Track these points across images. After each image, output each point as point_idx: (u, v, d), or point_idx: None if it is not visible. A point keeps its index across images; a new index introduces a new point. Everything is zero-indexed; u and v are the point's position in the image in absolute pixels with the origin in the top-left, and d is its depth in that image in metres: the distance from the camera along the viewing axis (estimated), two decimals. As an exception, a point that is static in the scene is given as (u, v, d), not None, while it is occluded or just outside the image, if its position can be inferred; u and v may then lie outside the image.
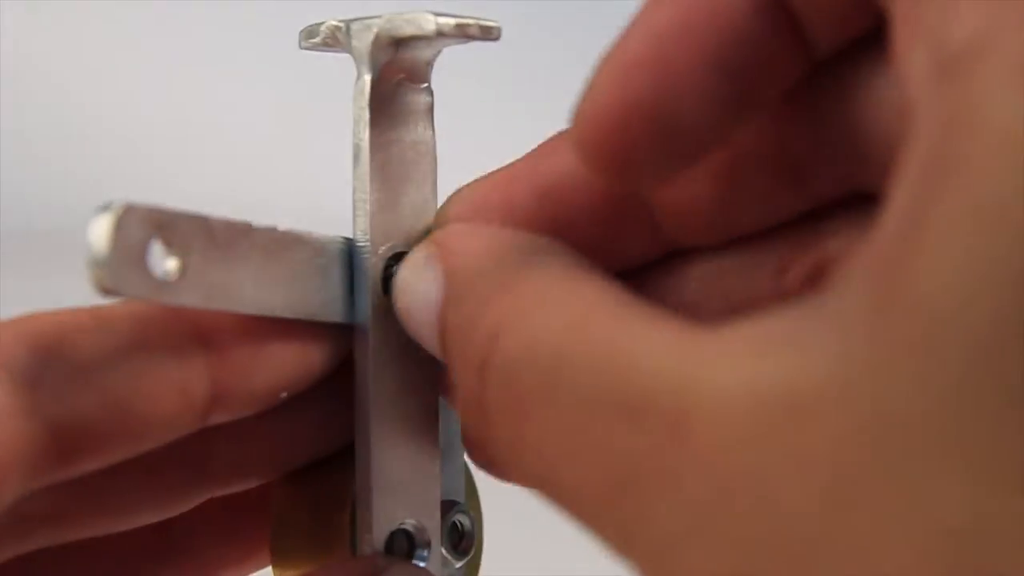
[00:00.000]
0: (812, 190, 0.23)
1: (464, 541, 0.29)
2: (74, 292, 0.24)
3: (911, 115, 0.17)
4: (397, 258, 0.27)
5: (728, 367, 0.17)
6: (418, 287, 0.24)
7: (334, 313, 0.26)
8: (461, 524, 0.29)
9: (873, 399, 0.15)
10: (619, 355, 0.19)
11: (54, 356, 0.22)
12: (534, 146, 0.26)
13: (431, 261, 0.24)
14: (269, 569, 0.29)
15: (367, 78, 0.26)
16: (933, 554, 0.15)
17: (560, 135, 0.25)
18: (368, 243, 0.26)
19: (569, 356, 0.19)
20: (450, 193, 0.27)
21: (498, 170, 0.25)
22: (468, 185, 0.26)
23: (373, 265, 0.26)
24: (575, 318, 0.20)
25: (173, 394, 0.23)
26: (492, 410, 0.21)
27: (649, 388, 0.18)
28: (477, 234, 0.24)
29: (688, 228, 0.25)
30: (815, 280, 0.24)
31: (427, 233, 0.27)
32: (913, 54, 0.18)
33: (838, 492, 0.15)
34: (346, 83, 0.27)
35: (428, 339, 0.24)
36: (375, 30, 0.26)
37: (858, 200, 0.23)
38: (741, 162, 0.23)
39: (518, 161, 0.25)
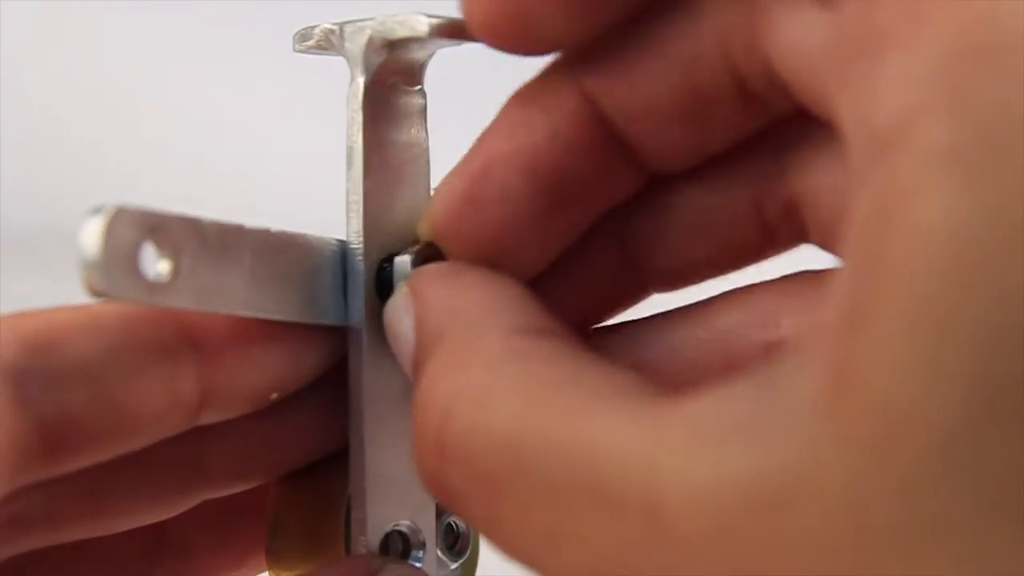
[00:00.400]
0: (765, 108, 0.24)
1: (459, 542, 0.29)
2: (74, 292, 0.24)
3: (852, 186, 0.18)
4: (390, 260, 0.27)
5: (694, 456, 0.17)
6: (399, 327, 0.25)
7: (327, 315, 0.26)
8: (456, 525, 0.29)
9: (842, 491, 0.16)
10: (582, 440, 0.19)
11: (43, 352, 0.22)
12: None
13: (407, 305, 0.25)
14: (265, 573, 0.29)
15: (360, 80, 0.26)
16: None
17: (509, 110, 0.25)
18: (362, 245, 0.26)
19: (529, 440, 0.20)
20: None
21: (471, 157, 0.25)
22: (448, 176, 0.26)
23: (367, 267, 0.26)
24: (530, 399, 0.20)
25: (161, 392, 0.23)
26: (457, 490, 0.21)
27: (618, 477, 0.18)
28: (446, 282, 0.25)
29: (664, 155, 0.25)
30: (790, 217, 0.25)
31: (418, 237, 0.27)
32: (849, 127, 0.19)
33: None
34: (340, 85, 0.27)
35: (410, 375, 0.24)
36: (368, 32, 0.26)
37: (813, 126, 0.23)
38: (695, 87, 0.24)
39: (485, 143, 0.25)
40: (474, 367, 0.21)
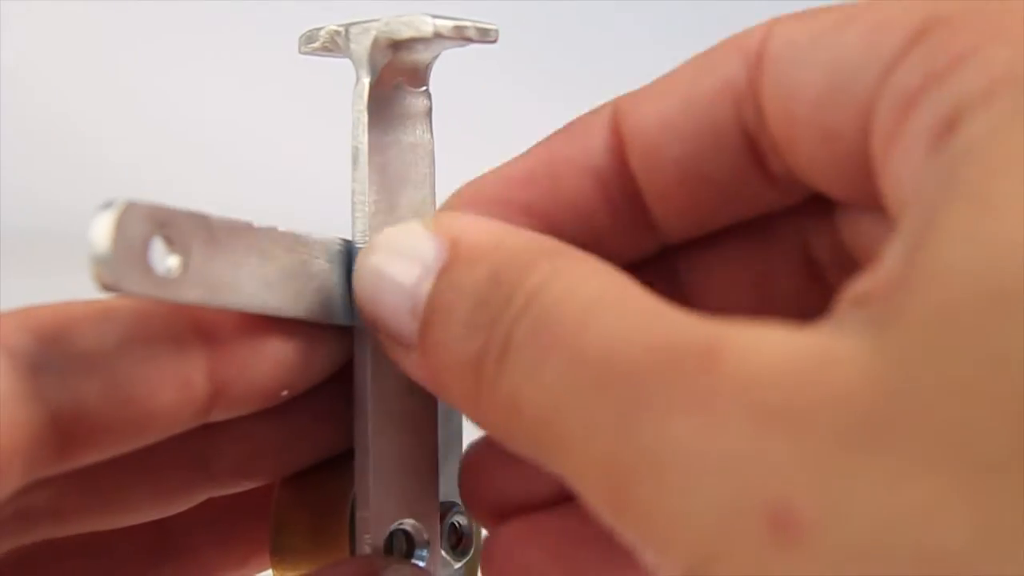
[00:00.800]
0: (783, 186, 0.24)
1: (463, 541, 0.29)
2: (74, 292, 0.24)
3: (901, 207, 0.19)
4: None
5: (760, 329, 0.18)
6: (398, 260, 0.24)
7: (333, 314, 0.26)
8: (460, 524, 0.29)
9: (901, 369, 0.17)
10: (651, 313, 0.20)
11: (55, 344, 0.23)
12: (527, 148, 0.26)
13: (421, 233, 0.24)
14: (269, 572, 0.29)
15: (366, 81, 0.27)
16: (964, 485, 0.16)
17: (555, 139, 0.26)
18: (367, 245, 0.27)
19: (603, 307, 0.20)
20: (448, 196, 0.27)
21: (495, 172, 0.26)
22: (468, 184, 0.26)
23: None
24: (612, 284, 0.21)
25: (173, 387, 0.23)
26: (506, 363, 0.21)
27: (677, 331, 0.19)
28: (477, 218, 0.25)
29: (681, 224, 0.25)
30: (839, 261, 0.25)
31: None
32: (897, 163, 0.20)
33: (869, 428, 0.16)
34: (344, 85, 0.27)
35: (396, 315, 0.24)
36: (373, 33, 0.26)
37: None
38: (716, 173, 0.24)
39: (517, 161, 0.26)
40: (567, 254, 0.22)
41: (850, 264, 0.25)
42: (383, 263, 0.25)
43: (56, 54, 0.93)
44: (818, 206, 0.25)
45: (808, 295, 0.26)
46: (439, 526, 0.28)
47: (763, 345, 0.18)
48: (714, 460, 0.17)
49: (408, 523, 0.27)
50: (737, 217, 0.25)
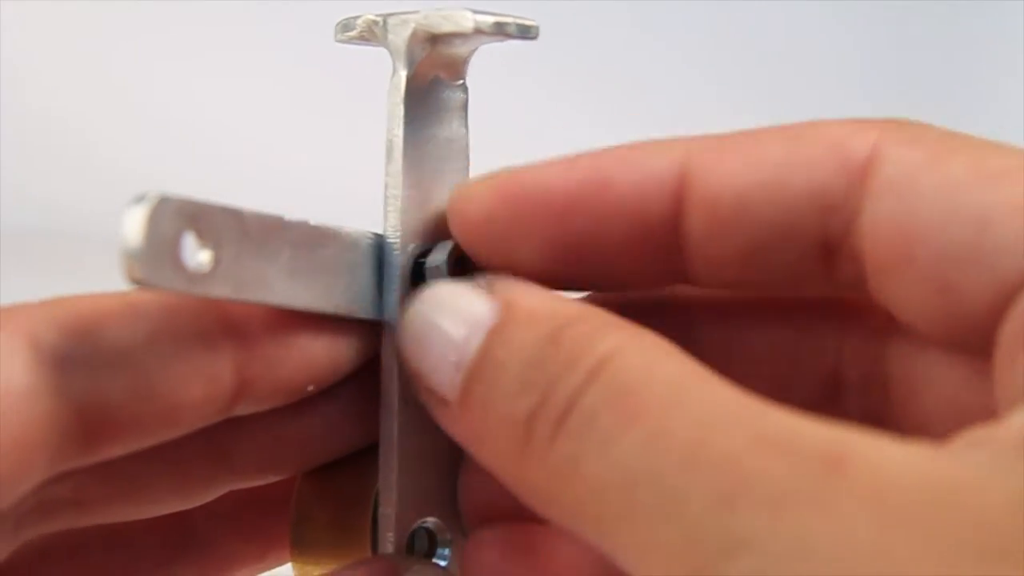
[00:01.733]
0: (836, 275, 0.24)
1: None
2: (74, 292, 0.24)
3: None
4: (425, 255, 0.26)
5: (884, 441, 0.18)
6: (450, 314, 0.24)
7: (363, 309, 0.26)
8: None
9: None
10: (750, 403, 0.19)
11: (83, 338, 0.22)
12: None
13: (474, 292, 0.24)
14: (288, 566, 0.29)
15: (403, 74, 0.26)
16: None
17: (609, 159, 0.25)
18: (399, 239, 0.26)
19: (690, 388, 0.20)
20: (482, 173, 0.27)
21: (535, 171, 0.25)
22: (507, 173, 0.25)
23: (403, 262, 0.26)
24: (692, 366, 0.20)
25: (200, 381, 0.23)
26: (567, 427, 0.21)
27: (794, 431, 0.19)
28: (531, 284, 0.24)
29: (716, 281, 0.25)
30: (869, 390, 0.25)
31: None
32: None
33: (1006, 543, 0.17)
34: (379, 79, 0.27)
35: (440, 366, 0.23)
36: (412, 26, 0.26)
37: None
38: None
39: (561, 168, 0.25)
40: (635, 329, 0.22)
41: (878, 393, 0.25)
42: (434, 314, 0.24)
43: (56, 54, 0.93)
44: (874, 320, 0.25)
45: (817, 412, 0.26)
46: (462, 525, 0.28)
47: (892, 456, 0.18)
48: (827, 552, 0.17)
49: (431, 521, 0.27)
50: (778, 291, 0.25)
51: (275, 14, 0.85)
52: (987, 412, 0.20)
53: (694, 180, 0.24)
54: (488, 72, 0.30)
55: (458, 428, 0.24)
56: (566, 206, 0.25)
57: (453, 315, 0.24)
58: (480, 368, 0.23)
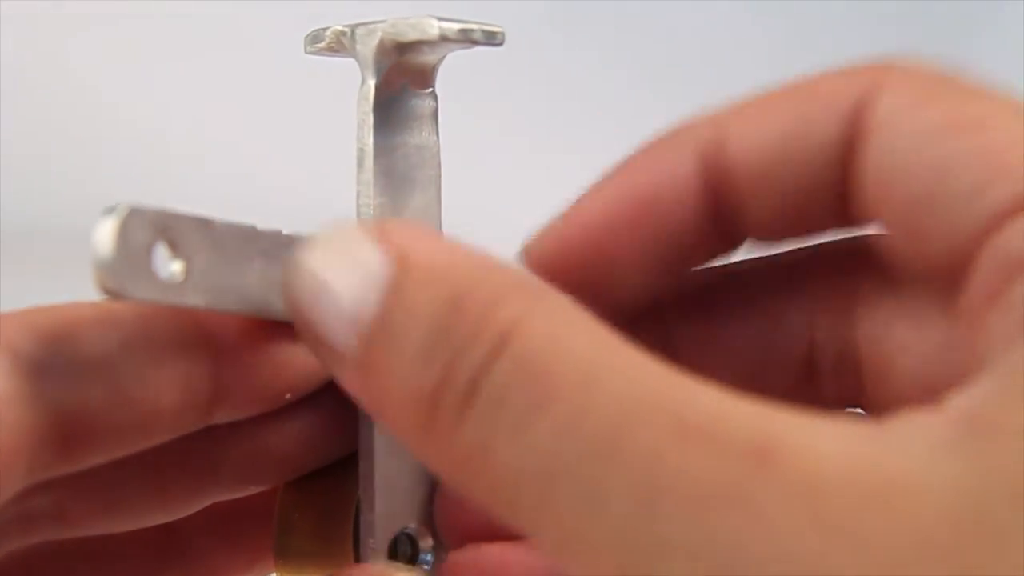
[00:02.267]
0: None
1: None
2: (74, 292, 0.24)
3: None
4: None
5: (814, 426, 0.18)
6: (339, 265, 0.21)
7: None
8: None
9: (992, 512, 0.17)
10: (672, 383, 0.19)
11: (60, 346, 0.22)
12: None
13: (365, 241, 0.21)
14: (274, 575, 0.29)
15: (371, 83, 0.26)
16: None
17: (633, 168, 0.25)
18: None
19: (606, 366, 0.19)
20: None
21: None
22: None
23: None
24: (606, 337, 0.20)
25: (176, 388, 0.23)
26: (474, 408, 0.19)
27: (719, 418, 0.18)
28: (424, 229, 0.23)
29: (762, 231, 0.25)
30: (842, 368, 0.25)
31: None
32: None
33: (936, 544, 0.17)
34: (351, 88, 0.27)
35: (335, 326, 0.21)
36: (379, 35, 0.26)
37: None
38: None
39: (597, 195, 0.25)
40: (547, 294, 0.20)
41: (851, 374, 0.25)
42: (321, 266, 0.22)
43: (56, 54, 0.93)
44: (840, 301, 0.25)
45: (795, 398, 0.25)
46: None
47: (822, 447, 0.18)
48: (757, 557, 0.17)
49: (412, 526, 0.27)
50: (814, 231, 0.25)
51: (274, 16, 0.86)
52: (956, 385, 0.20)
53: (729, 142, 0.23)
54: (461, 78, 0.30)
55: (358, 391, 0.22)
56: (610, 240, 0.24)
57: (344, 264, 0.21)
58: (379, 332, 0.21)
